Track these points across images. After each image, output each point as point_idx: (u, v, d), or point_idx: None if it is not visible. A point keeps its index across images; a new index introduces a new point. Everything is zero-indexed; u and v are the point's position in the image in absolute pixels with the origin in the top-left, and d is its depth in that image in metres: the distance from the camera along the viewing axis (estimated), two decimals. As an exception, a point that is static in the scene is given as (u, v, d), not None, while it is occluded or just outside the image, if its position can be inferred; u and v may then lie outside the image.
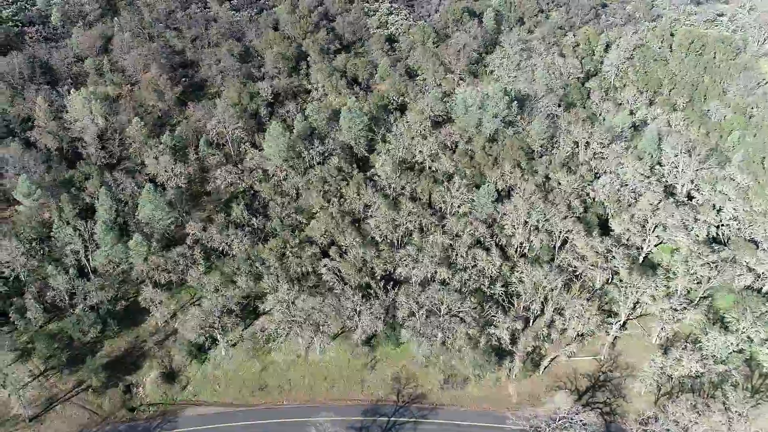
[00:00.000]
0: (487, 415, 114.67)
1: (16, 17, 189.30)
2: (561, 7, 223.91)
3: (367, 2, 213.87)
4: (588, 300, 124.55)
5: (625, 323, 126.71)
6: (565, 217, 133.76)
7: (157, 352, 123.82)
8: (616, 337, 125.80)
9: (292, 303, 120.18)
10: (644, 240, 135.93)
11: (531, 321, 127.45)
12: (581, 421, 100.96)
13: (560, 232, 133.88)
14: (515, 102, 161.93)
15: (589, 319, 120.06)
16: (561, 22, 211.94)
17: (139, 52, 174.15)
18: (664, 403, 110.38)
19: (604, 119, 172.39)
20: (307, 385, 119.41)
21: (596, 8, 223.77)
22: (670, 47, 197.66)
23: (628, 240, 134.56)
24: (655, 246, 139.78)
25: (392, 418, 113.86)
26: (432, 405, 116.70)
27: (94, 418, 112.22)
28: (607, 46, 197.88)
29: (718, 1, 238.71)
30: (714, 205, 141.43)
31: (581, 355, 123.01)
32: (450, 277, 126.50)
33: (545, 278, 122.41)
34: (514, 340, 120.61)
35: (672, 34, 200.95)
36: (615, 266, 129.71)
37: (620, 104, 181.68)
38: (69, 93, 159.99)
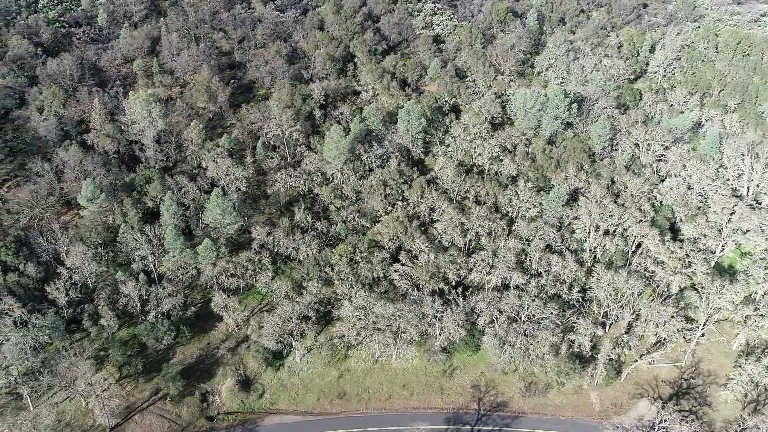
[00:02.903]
0: (573, 424, 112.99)
1: (62, 18, 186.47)
2: (602, 7, 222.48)
3: (410, 2, 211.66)
4: (663, 305, 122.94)
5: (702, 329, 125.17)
6: (639, 221, 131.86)
7: (230, 359, 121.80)
8: (696, 344, 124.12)
9: (371, 309, 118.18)
10: (718, 244, 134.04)
11: (607, 327, 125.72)
12: (680, 430, 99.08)
13: (634, 236, 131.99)
14: (575, 104, 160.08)
15: (670, 325, 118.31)
16: (603, 23, 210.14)
17: (189, 53, 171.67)
18: (759, 411, 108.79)
19: (659, 121, 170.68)
20: (385, 392, 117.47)
21: (637, 8, 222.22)
22: (716, 48, 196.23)
23: (703, 244, 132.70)
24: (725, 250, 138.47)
25: (475, 427, 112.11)
26: (514, 413, 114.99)
27: (174, 428, 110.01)
28: (652, 47, 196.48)
29: (758, 1, 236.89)
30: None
31: (662, 361, 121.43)
32: (525, 282, 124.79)
33: (625, 283, 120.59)
34: (593, 347, 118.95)
35: (716, 35, 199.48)
36: (692, 271, 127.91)
37: (671, 105, 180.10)
38: (120, 95, 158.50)
